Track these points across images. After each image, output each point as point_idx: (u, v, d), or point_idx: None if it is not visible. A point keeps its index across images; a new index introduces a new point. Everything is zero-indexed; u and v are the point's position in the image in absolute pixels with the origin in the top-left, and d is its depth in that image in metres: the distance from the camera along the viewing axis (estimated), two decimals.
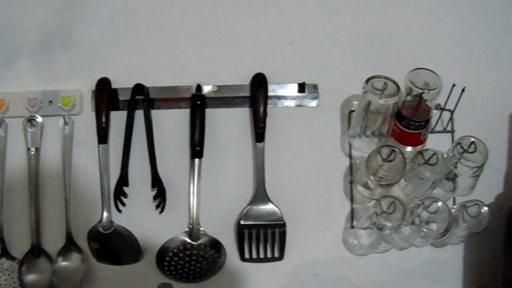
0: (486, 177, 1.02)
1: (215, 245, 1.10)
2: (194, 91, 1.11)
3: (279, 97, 1.13)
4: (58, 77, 1.15)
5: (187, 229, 1.10)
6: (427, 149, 0.99)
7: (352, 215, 1.11)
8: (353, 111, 1.10)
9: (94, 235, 1.10)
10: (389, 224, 0.97)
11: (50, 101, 1.13)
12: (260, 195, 1.08)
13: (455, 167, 0.98)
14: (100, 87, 1.11)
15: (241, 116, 1.13)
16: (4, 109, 1.13)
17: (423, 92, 0.95)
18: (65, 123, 1.12)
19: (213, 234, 1.10)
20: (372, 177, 0.99)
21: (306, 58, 1.13)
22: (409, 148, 1.03)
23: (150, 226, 1.11)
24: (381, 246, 1.04)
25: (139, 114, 1.11)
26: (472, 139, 0.98)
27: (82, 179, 1.13)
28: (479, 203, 1.00)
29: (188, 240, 1.10)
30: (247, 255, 1.11)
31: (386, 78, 0.98)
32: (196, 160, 1.08)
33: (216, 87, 1.12)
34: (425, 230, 0.98)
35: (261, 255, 1.10)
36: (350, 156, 1.11)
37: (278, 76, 1.12)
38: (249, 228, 1.09)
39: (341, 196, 1.12)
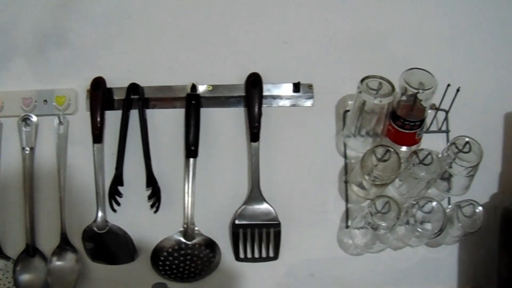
0: (481, 177, 1.02)
1: (210, 245, 1.10)
2: (189, 90, 1.11)
3: (274, 97, 1.13)
4: (53, 77, 1.15)
5: (181, 229, 1.10)
6: (422, 149, 0.99)
7: (347, 215, 1.11)
8: (348, 111, 1.10)
9: (89, 234, 1.10)
10: (383, 224, 0.97)
11: (45, 101, 1.12)
12: (255, 194, 1.08)
13: (450, 167, 0.98)
14: (95, 87, 1.10)
15: (236, 115, 1.13)
16: None
17: (418, 92, 0.95)
18: (60, 123, 1.12)
19: (207, 234, 1.10)
20: (367, 177, 0.99)
21: (301, 58, 1.13)
22: (404, 148, 1.03)
23: (145, 226, 1.11)
24: (376, 246, 1.04)
25: (134, 114, 1.11)
26: (467, 139, 0.98)
27: (77, 179, 1.12)
28: (474, 203, 1.01)
29: (182, 239, 1.10)
30: (241, 255, 1.10)
31: (381, 78, 0.98)
32: (191, 160, 1.08)
33: (211, 87, 1.12)
34: (419, 230, 0.98)
35: (256, 255, 1.10)
36: (345, 156, 1.11)
37: (273, 75, 1.12)
38: (243, 227, 1.09)
39: (336, 195, 1.12)
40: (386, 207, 0.98)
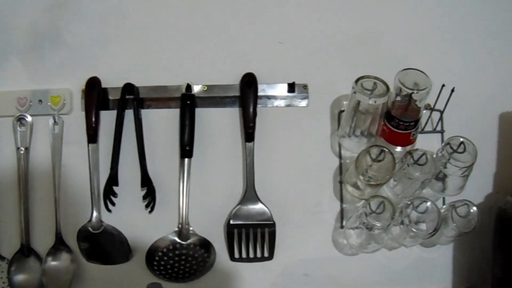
0: (475, 177, 1.02)
1: (205, 245, 1.10)
2: (184, 90, 1.11)
3: (269, 97, 1.13)
4: (48, 76, 1.15)
5: (176, 229, 1.10)
6: (417, 149, 0.99)
7: (342, 215, 1.11)
8: (343, 111, 1.10)
9: (84, 234, 1.10)
10: (378, 224, 0.97)
11: (40, 101, 1.12)
12: (250, 194, 1.08)
13: (445, 167, 0.98)
14: (90, 87, 1.10)
15: (231, 115, 1.13)
16: None
17: (412, 92, 0.95)
18: (55, 123, 1.12)
19: (202, 234, 1.10)
20: (361, 177, 0.99)
21: (296, 58, 1.13)
22: (398, 148, 1.04)
23: (140, 226, 1.11)
24: (370, 246, 1.05)
25: (129, 114, 1.11)
26: (462, 139, 0.98)
27: (72, 179, 1.12)
28: (468, 203, 1.01)
29: (177, 239, 1.10)
30: (236, 255, 1.11)
31: (376, 78, 0.98)
32: (186, 160, 1.08)
33: (206, 87, 1.12)
34: (414, 230, 0.99)
35: (251, 255, 1.11)
36: (340, 156, 1.11)
37: (268, 76, 1.12)
38: (238, 228, 1.09)
39: (330, 196, 1.12)
40: (381, 207, 0.99)
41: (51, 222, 1.10)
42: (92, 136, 1.09)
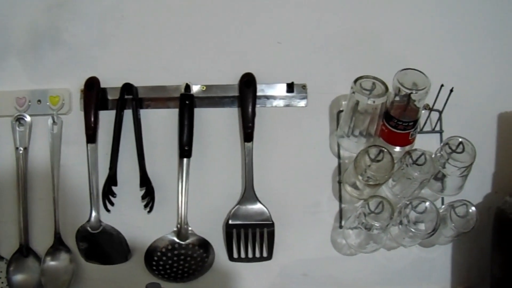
0: (474, 177, 1.02)
1: (204, 245, 1.10)
2: (182, 90, 1.11)
3: (267, 97, 1.13)
4: (47, 76, 1.14)
5: (175, 229, 1.09)
6: (415, 149, 0.99)
7: (341, 215, 1.11)
8: (341, 111, 1.10)
9: (83, 234, 1.10)
10: (377, 224, 0.97)
11: (39, 100, 1.12)
12: (249, 194, 1.08)
13: (443, 167, 0.98)
14: (89, 87, 1.10)
15: (229, 115, 1.13)
16: None
17: (411, 92, 0.95)
18: (54, 123, 1.12)
19: (201, 234, 1.10)
20: (360, 177, 0.99)
21: (295, 58, 1.13)
22: (397, 148, 1.03)
23: (139, 226, 1.11)
24: (369, 246, 1.04)
25: (127, 114, 1.11)
26: (460, 139, 0.98)
27: (71, 179, 1.12)
28: (467, 203, 1.01)
29: (176, 239, 1.10)
30: (235, 255, 1.11)
31: (375, 78, 0.98)
32: (185, 160, 1.08)
33: (204, 87, 1.12)
34: (413, 230, 0.99)
35: (250, 255, 1.11)
36: (339, 156, 1.11)
37: (267, 76, 1.12)
38: (237, 227, 1.09)
39: (329, 196, 1.12)
40: (380, 207, 0.98)
41: (50, 222, 1.10)
42: (91, 136, 1.09)
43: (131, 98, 1.11)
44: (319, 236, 1.12)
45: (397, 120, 0.99)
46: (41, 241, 1.11)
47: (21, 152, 1.11)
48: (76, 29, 1.15)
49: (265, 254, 1.10)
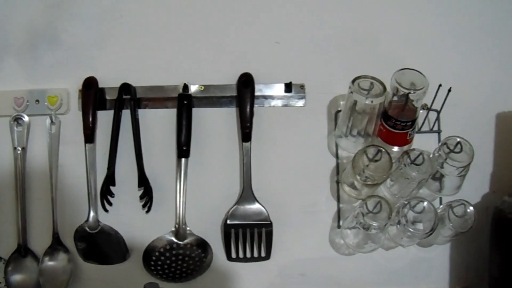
0: (472, 177, 1.02)
1: (202, 245, 1.10)
2: (181, 90, 1.11)
3: (265, 97, 1.13)
4: (45, 76, 1.14)
5: (173, 229, 1.09)
6: (414, 149, 0.99)
7: (339, 214, 1.11)
8: (339, 111, 1.10)
9: (81, 234, 1.10)
10: (375, 224, 0.97)
11: (37, 100, 1.12)
12: (247, 194, 1.08)
13: (441, 167, 0.98)
14: (87, 87, 1.10)
15: (227, 115, 1.13)
16: None
17: (409, 92, 0.95)
18: (52, 123, 1.12)
19: (199, 234, 1.10)
20: (358, 177, 0.99)
21: (293, 58, 1.13)
22: (395, 148, 1.04)
23: (137, 226, 1.11)
24: (367, 246, 1.05)
25: (126, 114, 1.11)
26: (458, 139, 0.98)
27: (69, 179, 1.12)
28: (465, 203, 1.01)
29: (174, 239, 1.09)
30: (233, 255, 1.11)
31: (373, 78, 0.98)
32: (183, 160, 1.08)
33: (202, 87, 1.12)
34: (411, 230, 0.99)
35: (248, 255, 1.10)
36: (337, 156, 1.11)
37: (265, 76, 1.12)
38: (235, 227, 1.09)
39: (327, 196, 1.12)
40: (378, 207, 0.98)
41: (48, 222, 1.10)
42: (89, 136, 1.09)
43: (129, 98, 1.11)
44: (317, 236, 1.12)
45: (395, 120, 0.99)
46: (39, 241, 1.11)
47: (19, 152, 1.10)
48: (74, 29, 1.15)
49: (263, 254, 1.10)
